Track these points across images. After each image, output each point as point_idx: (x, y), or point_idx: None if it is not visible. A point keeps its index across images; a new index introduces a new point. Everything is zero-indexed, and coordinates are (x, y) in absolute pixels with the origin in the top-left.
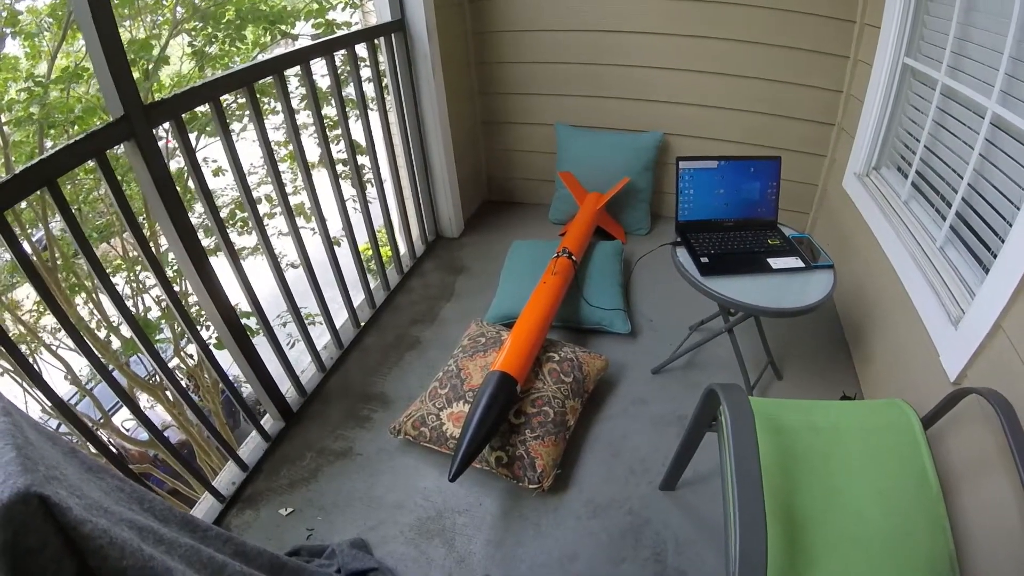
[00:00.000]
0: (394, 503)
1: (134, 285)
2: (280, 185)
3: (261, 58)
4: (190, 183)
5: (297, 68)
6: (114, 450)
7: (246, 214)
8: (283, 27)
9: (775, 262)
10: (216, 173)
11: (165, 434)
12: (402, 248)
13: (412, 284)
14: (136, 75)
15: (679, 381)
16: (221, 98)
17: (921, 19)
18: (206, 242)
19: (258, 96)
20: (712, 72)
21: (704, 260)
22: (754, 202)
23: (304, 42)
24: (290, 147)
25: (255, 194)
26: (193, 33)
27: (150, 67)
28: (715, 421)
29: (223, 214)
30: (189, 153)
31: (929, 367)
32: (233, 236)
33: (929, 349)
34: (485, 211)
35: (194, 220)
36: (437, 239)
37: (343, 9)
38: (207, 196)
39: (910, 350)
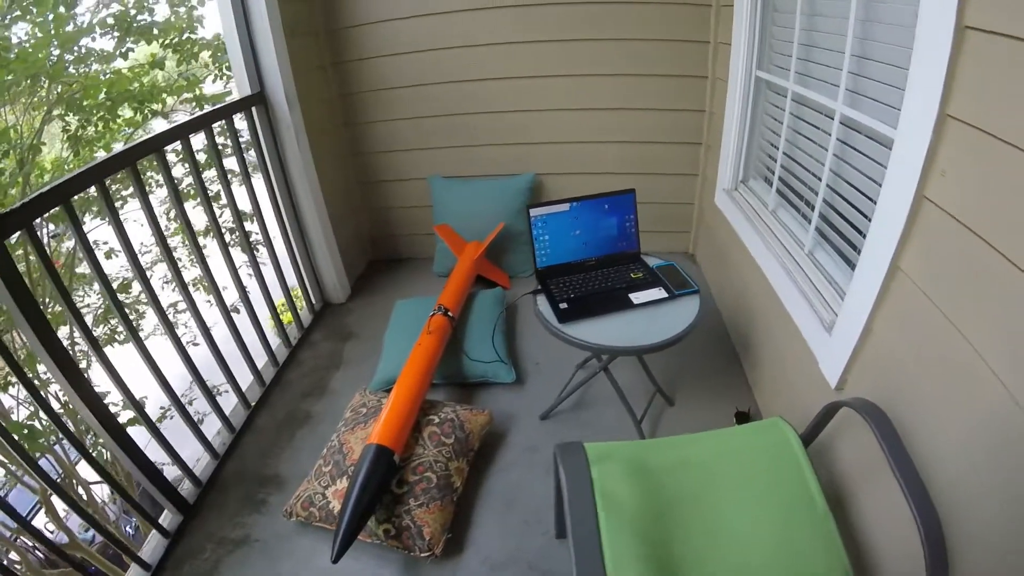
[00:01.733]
0: None
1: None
2: (171, 260)
3: (114, 149)
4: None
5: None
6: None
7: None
8: (153, 106)
9: (637, 296)
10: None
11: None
12: (289, 323)
13: (302, 356)
14: (11, 164)
15: (569, 423)
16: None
17: (768, 32)
18: (97, 332)
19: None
20: (577, 108)
21: (563, 306)
22: (614, 237)
23: (182, 117)
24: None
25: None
26: (66, 119)
27: (26, 154)
28: None
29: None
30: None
31: (812, 376)
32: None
33: (809, 357)
34: (372, 271)
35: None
36: (325, 306)
37: (214, 81)
38: (66, 298)
39: (793, 360)
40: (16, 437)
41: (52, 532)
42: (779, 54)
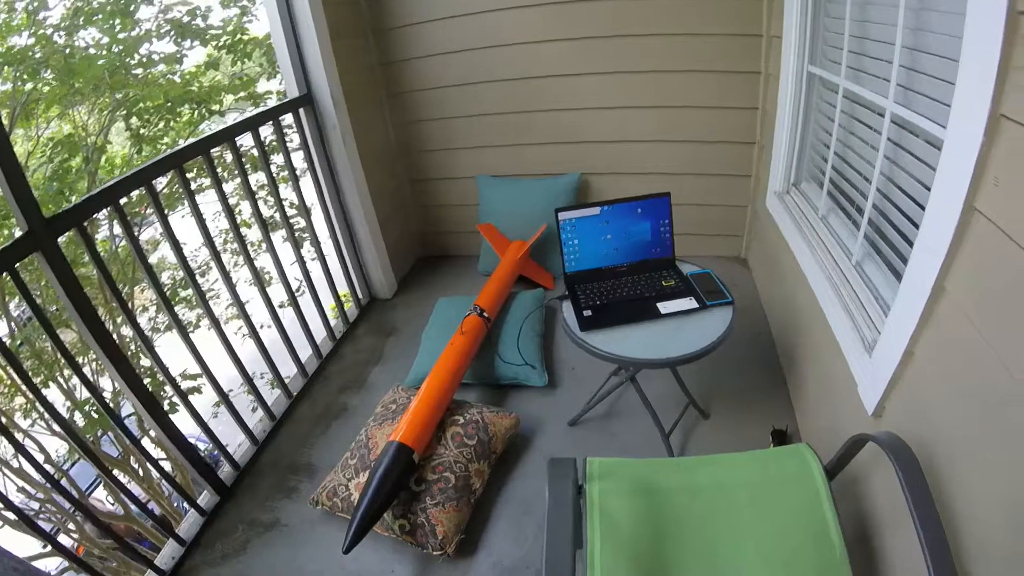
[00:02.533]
0: (314, 572)
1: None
2: (219, 261)
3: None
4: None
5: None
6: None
7: (189, 291)
8: (211, 106)
9: (665, 306)
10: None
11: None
12: (335, 317)
13: (344, 350)
14: (78, 162)
15: (597, 431)
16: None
17: (820, 25)
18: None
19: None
20: (626, 107)
21: (587, 313)
22: (647, 243)
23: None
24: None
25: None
26: (128, 121)
27: (91, 154)
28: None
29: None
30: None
31: (851, 400)
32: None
33: (849, 379)
34: (420, 268)
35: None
36: (371, 302)
37: (268, 80)
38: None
39: (834, 380)
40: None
41: (113, 504)
42: (832, 47)
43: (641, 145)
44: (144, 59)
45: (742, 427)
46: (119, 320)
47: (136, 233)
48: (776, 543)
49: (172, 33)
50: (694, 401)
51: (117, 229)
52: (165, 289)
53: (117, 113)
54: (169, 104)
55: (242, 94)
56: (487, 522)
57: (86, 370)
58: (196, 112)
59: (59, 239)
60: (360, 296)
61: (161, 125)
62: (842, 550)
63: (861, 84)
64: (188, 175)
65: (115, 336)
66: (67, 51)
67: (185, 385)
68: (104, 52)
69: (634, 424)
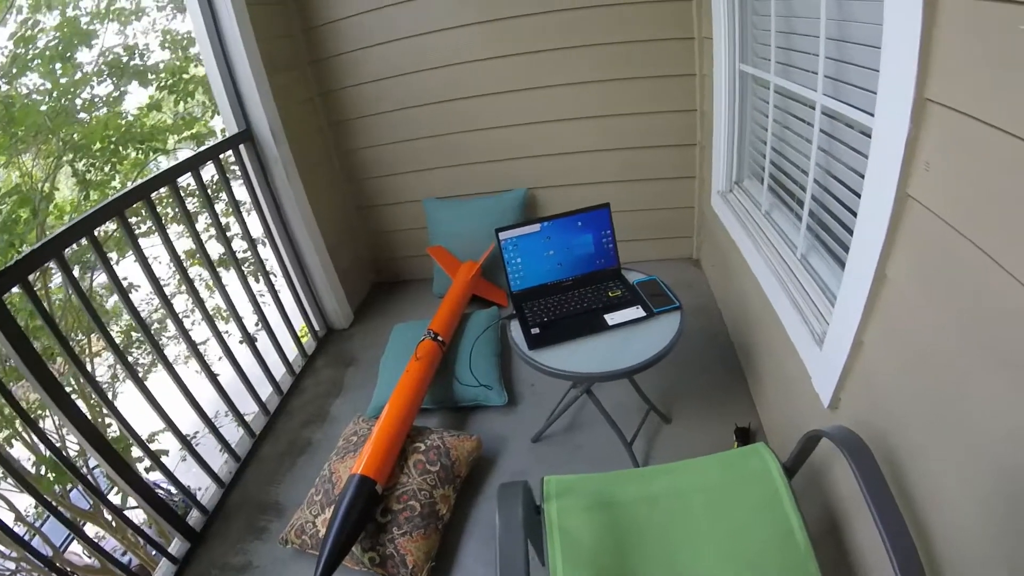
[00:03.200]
0: None
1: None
2: (169, 306)
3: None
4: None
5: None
6: None
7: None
8: (155, 145)
9: (612, 317)
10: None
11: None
12: (293, 351)
13: (305, 384)
14: (26, 214)
15: (561, 445)
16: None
17: (749, 23)
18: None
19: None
20: (565, 119)
21: (535, 331)
22: (590, 255)
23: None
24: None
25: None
26: (74, 165)
27: (39, 203)
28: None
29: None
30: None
31: (806, 393)
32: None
33: (803, 373)
34: (375, 295)
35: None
36: (328, 333)
37: (212, 118)
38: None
39: (789, 375)
40: (44, 470)
41: (90, 557)
42: (761, 44)
43: (585, 155)
44: (86, 102)
45: (705, 428)
46: (76, 372)
47: (91, 277)
48: (739, 545)
49: (111, 74)
50: (654, 407)
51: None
52: (123, 333)
53: (63, 159)
54: (113, 146)
55: (186, 133)
56: (457, 547)
57: (51, 422)
58: (140, 153)
59: (4, 295)
60: (317, 328)
61: (107, 168)
62: (807, 546)
63: (791, 79)
64: (135, 218)
65: (76, 386)
66: (8, 99)
67: (151, 438)
68: (45, 99)
69: (597, 435)
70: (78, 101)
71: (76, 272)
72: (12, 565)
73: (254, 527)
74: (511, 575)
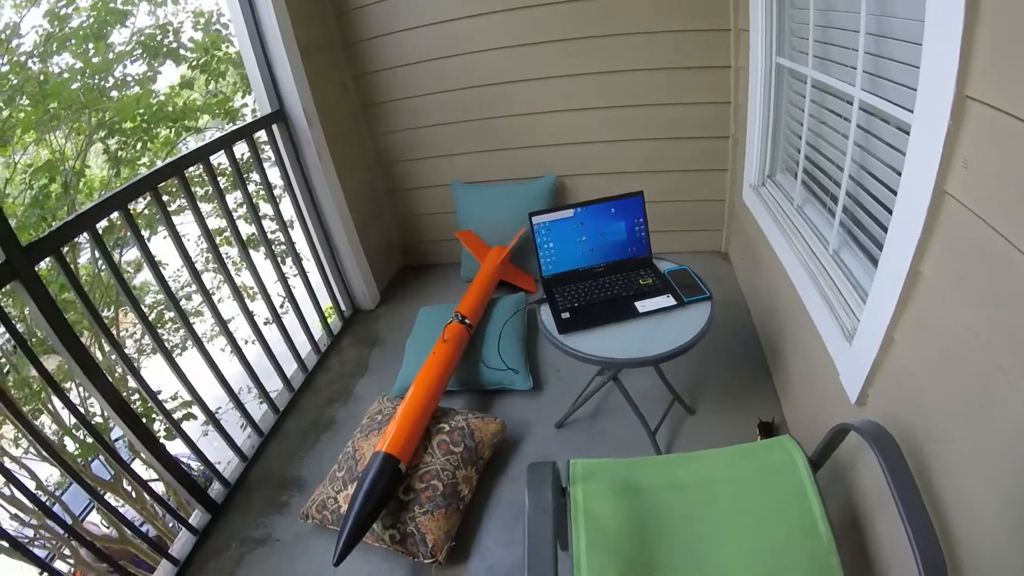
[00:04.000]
0: None
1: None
2: (200, 282)
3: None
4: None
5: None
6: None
7: (172, 314)
8: (187, 123)
9: (643, 305)
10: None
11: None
12: (319, 329)
13: (330, 363)
14: (57, 188)
15: (585, 432)
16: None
17: (787, 16)
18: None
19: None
20: (599, 107)
21: (565, 315)
22: (622, 243)
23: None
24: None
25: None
26: (106, 143)
27: (70, 179)
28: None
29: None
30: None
31: (834, 388)
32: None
33: (831, 368)
34: (402, 277)
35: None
36: (354, 313)
37: (243, 97)
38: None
39: (817, 370)
40: (69, 441)
41: (108, 527)
42: (799, 38)
43: (616, 145)
44: (119, 81)
45: (728, 421)
46: (105, 345)
47: (120, 254)
48: (763, 536)
49: (144, 54)
50: (679, 397)
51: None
52: (151, 311)
53: (94, 136)
54: (145, 124)
55: (218, 111)
56: (478, 528)
57: (75, 394)
58: (173, 131)
59: (38, 266)
60: (344, 308)
61: (139, 146)
62: (829, 540)
63: (828, 73)
64: (166, 196)
65: (103, 359)
66: (41, 77)
67: (175, 408)
68: (77, 78)
69: (621, 422)
70: (110, 80)
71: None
72: (30, 533)
73: (275, 501)
74: (538, 554)
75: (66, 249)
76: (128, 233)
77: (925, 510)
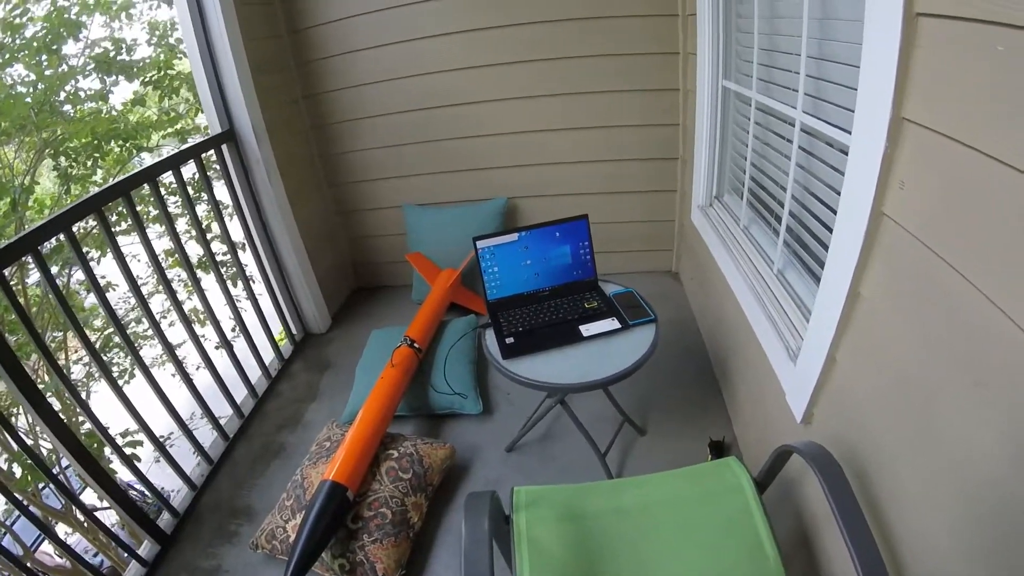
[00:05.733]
0: None
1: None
2: (145, 307)
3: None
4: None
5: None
6: None
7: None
8: (140, 142)
9: (587, 328)
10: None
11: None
12: (269, 354)
13: (280, 388)
14: (5, 207)
15: (535, 455)
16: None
17: (733, 40)
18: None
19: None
20: (550, 129)
21: (509, 340)
22: (568, 266)
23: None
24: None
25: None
26: (57, 160)
27: (19, 196)
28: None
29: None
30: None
31: (780, 408)
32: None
33: (777, 387)
34: (354, 300)
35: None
36: (306, 337)
37: (196, 115)
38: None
39: (764, 389)
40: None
41: (62, 557)
42: (744, 61)
43: (567, 166)
44: (71, 95)
45: (680, 441)
46: (50, 369)
47: (69, 275)
48: (709, 559)
49: (97, 69)
50: (629, 419)
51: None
52: (100, 333)
53: (44, 152)
54: (96, 142)
55: (170, 130)
56: (428, 555)
57: (24, 420)
58: (124, 149)
59: None
60: (295, 331)
61: (89, 164)
62: (776, 560)
63: (772, 96)
64: (115, 216)
65: (53, 384)
66: None
67: (127, 436)
68: (30, 91)
69: (572, 445)
70: (62, 93)
71: (55, 269)
72: None
73: (225, 531)
74: None
75: (14, 269)
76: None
77: (868, 529)
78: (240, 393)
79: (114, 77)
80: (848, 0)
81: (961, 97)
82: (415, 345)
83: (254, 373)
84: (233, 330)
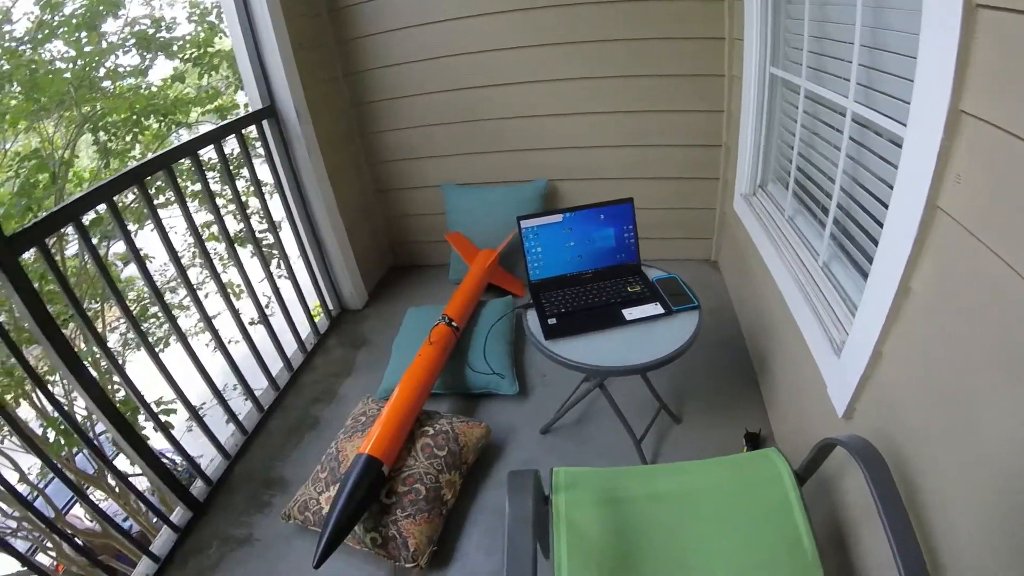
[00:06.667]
0: None
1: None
2: (185, 277)
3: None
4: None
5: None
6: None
7: (157, 309)
8: (178, 118)
9: (630, 312)
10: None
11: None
12: (305, 328)
13: (316, 362)
14: (45, 178)
15: (570, 438)
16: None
17: (781, 26)
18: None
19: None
20: (591, 112)
21: (552, 321)
22: (611, 249)
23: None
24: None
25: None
26: (96, 133)
27: (58, 169)
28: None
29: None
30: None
31: (821, 402)
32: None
33: (819, 381)
34: (390, 278)
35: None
36: (342, 313)
37: (236, 92)
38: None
39: (804, 382)
40: (53, 433)
41: (91, 521)
42: (793, 48)
43: (608, 150)
44: (110, 71)
45: (715, 431)
46: (88, 336)
47: (107, 247)
48: (746, 549)
49: (137, 46)
50: (665, 406)
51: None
52: (135, 304)
53: (84, 127)
54: (136, 117)
55: (209, 106)
56: (460, 533)
57: (59, 388)
58: (163, 125)
59: (22, 257)
60: (331, 307)
61: (128, 138)
62: (814, 554)
63: (822, 84)
64: (153, 190)
65: (89, 353)
66: (33, 65)
67: (161, 404)
68: (69, 66)
69: (607, 429)
70: (101, 70)
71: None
72: (13, 524)
73: (257, 501)
74: (518, 563)
75: (52, 240)
76: (113, 226)
77: (911, 527)
78: (276, 366)
79: (153, 54)
80: None
81: (1021, 91)
82: (453, 324)
83: (290, 347)
84: (267, 305)
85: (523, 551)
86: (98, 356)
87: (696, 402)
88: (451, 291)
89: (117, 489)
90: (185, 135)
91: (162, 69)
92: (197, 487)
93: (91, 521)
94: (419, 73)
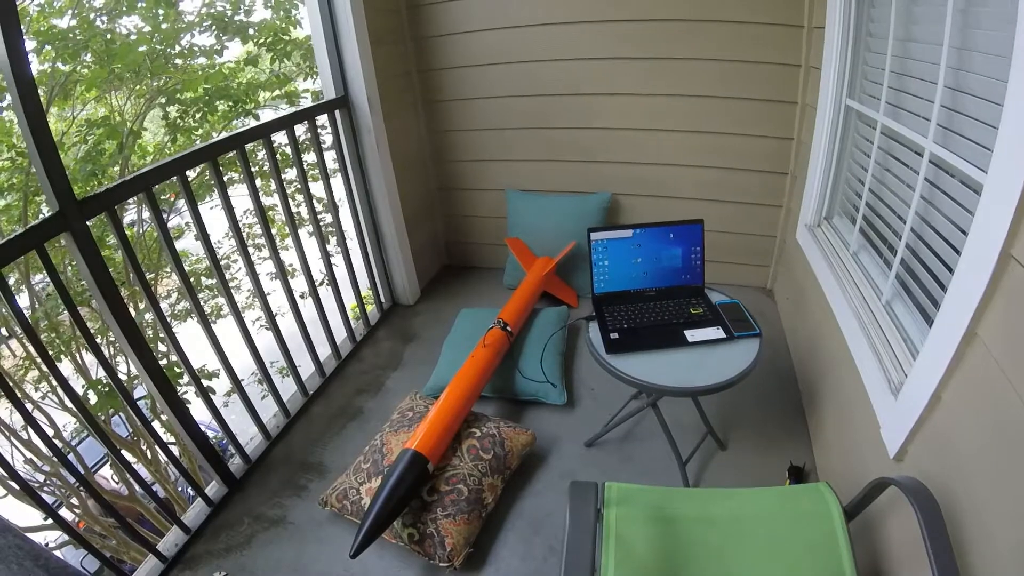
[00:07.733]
0: (318, 573)
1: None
2: (245, 251)
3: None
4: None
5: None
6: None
7: (213, 280)
8: (247, 105)
9: (692, 334)
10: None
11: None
12: (355, 318)
13: (364, 353)
14: (112, 145)
15: (613, 454)
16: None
17: (861, 59)
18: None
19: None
20: (660, 129)
21: (614, 336)
22: (677, 269)
23: (268, 115)
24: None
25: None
26: (167, 108)
27: (126, 139)
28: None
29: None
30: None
31: (872, 440)
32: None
33: (872, 420)
34: (444, 276)
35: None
36: (393, 306)
37: (304, 79)
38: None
39: (856, 420)
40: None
41: (118, 483)
42: (871, 82)
43: (674, 168)
44: (185, 50)
45: (759, 461)
46: (141, 305)
47: (167, 218)
48: None
49: (213, 27)
50: (713, 431)
51: (144, 214)
52: (192, 274)
53: (155, 101)
54: (207, 97)
55: (278, 92)
56: (496, 537)
57: (108, 351)
58: (232, 109)
59: (88, 221)
60: (383, 300)
61: (198, 117)
62: None
63: (900, 121)
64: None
65: (139, 318)
66: (108, 36)
67: (201, 374)
68: (145, 40)
69: (651, 449)
70: (175, 48)
71: (147, 214)
72: (41, 477)
73: (294, 484)
74: (576, 573)
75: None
76: (174, 200)
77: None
78: (324, 352)
79: (230, 36)
80: (990, 36)
81: None
82: (508, 328)
83: (339, 335)
84: (321, 283)
85: (582, 560)
86: (146, 323)
87: (742, 429)
88: (504, 295)
89: (148, 455)
90: (251, 122)
91: (233, 52)
92: (235, 463)
93: (118, 484)
94: (490, 76)
